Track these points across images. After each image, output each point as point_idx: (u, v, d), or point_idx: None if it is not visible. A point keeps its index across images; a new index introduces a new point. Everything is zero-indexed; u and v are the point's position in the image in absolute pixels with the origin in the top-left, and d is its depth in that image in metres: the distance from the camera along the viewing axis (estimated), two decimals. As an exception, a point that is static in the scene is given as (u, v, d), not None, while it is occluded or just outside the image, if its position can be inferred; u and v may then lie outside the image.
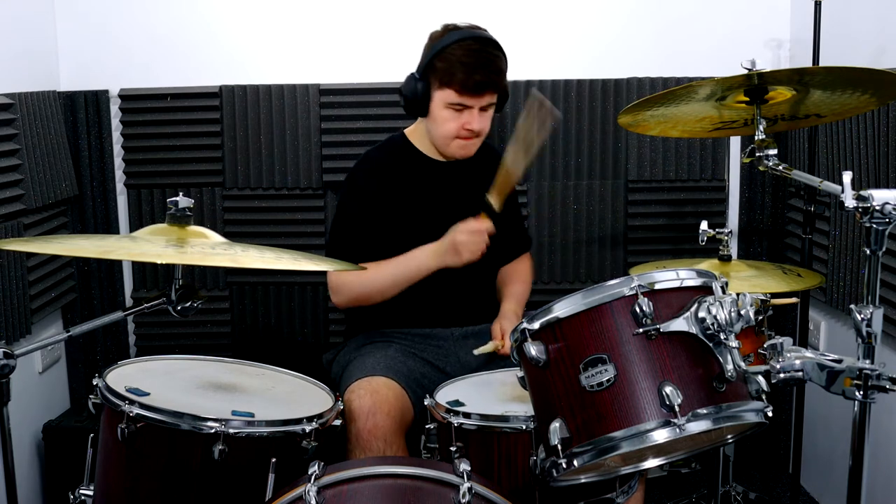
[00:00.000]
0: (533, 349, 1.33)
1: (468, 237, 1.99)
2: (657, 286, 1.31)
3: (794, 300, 2.17)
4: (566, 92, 2.78)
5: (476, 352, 2.06)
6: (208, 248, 1.47)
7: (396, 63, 2.77)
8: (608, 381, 1.27)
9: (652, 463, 1.44)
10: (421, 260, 2.06)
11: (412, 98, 2.07)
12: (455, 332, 2.19)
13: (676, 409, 1.23)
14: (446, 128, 2.08)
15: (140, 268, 2.89)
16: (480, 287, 2.28)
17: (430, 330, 2.18)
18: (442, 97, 2.05)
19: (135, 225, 2.85)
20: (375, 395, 1.89)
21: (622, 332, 1.29)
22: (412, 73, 2.10)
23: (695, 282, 1.35)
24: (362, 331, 2.24)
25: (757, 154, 1.76)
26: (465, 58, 2.01)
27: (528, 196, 2.83)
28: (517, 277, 2.34)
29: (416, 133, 2.23)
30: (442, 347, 2.17)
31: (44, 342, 1.48)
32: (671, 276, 1.34)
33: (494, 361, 2.11)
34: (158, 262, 1.40)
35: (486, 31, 2.11)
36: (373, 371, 1.98)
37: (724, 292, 1.33)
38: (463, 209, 2.19)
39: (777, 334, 1.41)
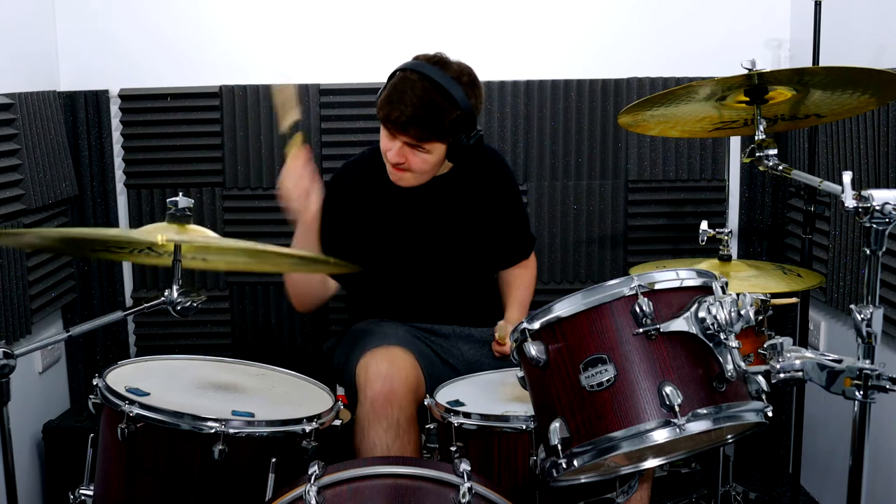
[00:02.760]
0: (533, 349, 1.33)
1: (284, 177, 1.96)
2: (657, 286, 1.31)
3: (794, 300, 2.17)
4: (566, 92, 2.78)
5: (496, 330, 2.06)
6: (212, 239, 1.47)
7: (396, 63, 2.76)
8: (608, 381, 1.27)
9: (652, 463, 1.44)
10: (295, 238, 2.02)
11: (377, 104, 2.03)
12: (456, 330, 2.19)
13: (676, 409, 1.23)
14: (384, 147, 2.04)
15: (140, 268, 2.90)
16: (479, 286, 2.28)
17: (432, 325, 2.18)
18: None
19: (135, 225, 2.85)
20: (392, 362, 1.88)
21: (622, 332, 1.29)
22: None
23: (695, 282, 1.35)
24: (364, 320, 2.23)
25: (757, 154, 1.75)
26: (392, 88, 1.95)
27: (528, 196, 2.83)
28: (521, 283, 2.32)
29: None
30: (445, 341, 2.17)
31: (44, 342, 1.48)
32: (671, 276, 1.34)
33: (496, 359, 2.11)
34: (159, 240, 1.40)
35: (456, 70, 1.97)
36: (388, 341, 1.97)
37: (724, 292, 1.33)
38: (448, 217, 2.17)
39: (777, 334, 1.41)
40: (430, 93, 1.91)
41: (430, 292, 2.16)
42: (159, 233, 1.49)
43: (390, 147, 1.99)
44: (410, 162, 2.00)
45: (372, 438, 1.82)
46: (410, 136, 1.95)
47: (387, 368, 1.86)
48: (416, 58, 2.00)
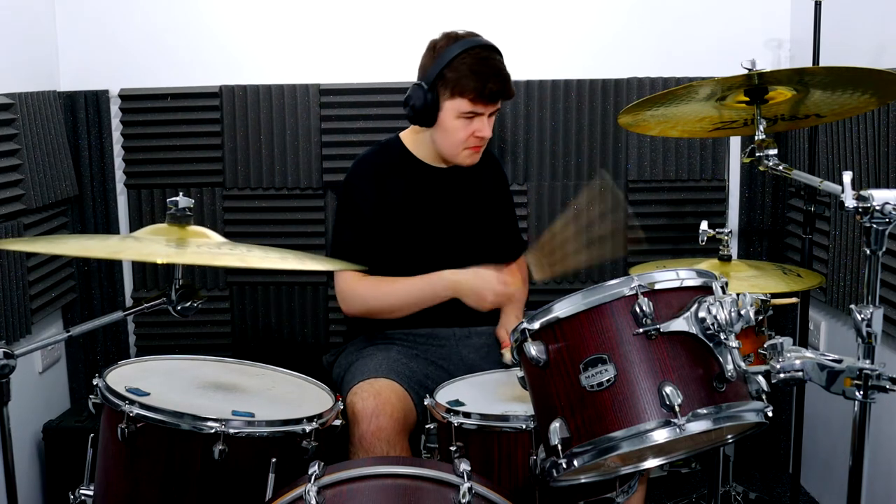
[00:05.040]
0: (533, 349, 1.33)
1: (495, 297, 2.02)
2: (657, 286, 1.31)
3: (794, 300, 2.17)
4: (566, 92, 2.78)
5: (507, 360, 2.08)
6: (214, 248, 1.47)
7: (396, 63, 2.78)
8: (608, 381, 1.27)
9: (652, 463, 1.44)
10: (438, 288, 2.05)
11: (421, 108, 2.05)
12: (456, 332, 2.19)
13: (676, 409, 1.23)
14: (457, 137, 2.08)
15: (140, 268, 2.90)
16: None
17: (432, 330, 2.18)
18: (453, 107, 2.04)
19: (135, 225, 2.85)
20: (378, 398, 1.89)
21: (622, 332, 1.29)
22: (418, 84, 2.06)
23: (695, 282, 1.35)
24: (363, 332, 2.24)
25: (757, 154, 1.76)
26: (476, 66, 2.00)
27: (528, 196, 2.83)
28: None
29: (412, 138, 2.22)
30: (444, 347, 2.17)
31: (44, 342, 1.48)
32: (671, 276, 1.34)
33: (496, 360, 2.11)
34: (159, 262, 1.40)
35: (483, 37, 2.10)
36: (375, 373, 1.98)
37: (724, 292, 1.33)
38: (462, 216, 2.20)
39: (777, 334, 1.41)
40: (499, 57, 2.07)
41: None
42: (159, 236, 1.49)
43: (481, 127, 2.07)
44: (490, 132, 2.11)
45: None
46: (502, 102, 2.10)
47: (373, 406, 1.87)
48: (448, 35, 2.09)
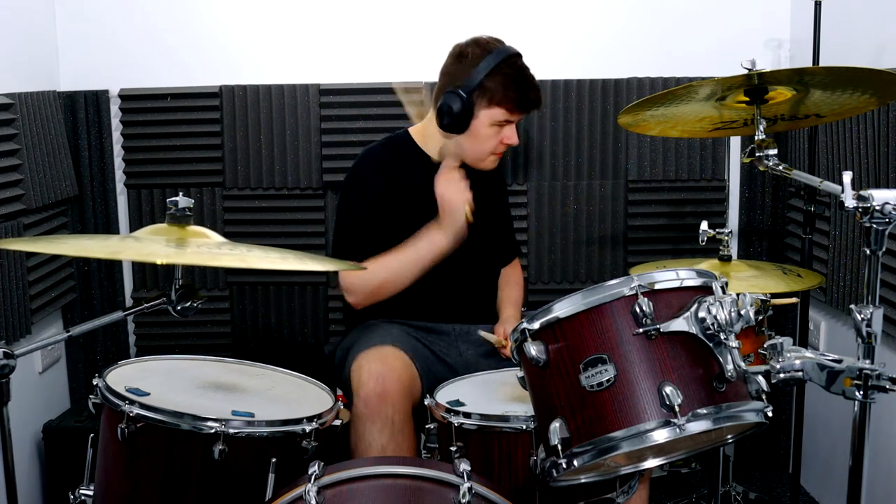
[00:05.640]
0: (533, 349, 1.33)
1: (446, 186, 2.02)
2: (657, 286, 1.31)
3: (794, 300, 2.17)
4: (566, 92, 2.78)
5: (481, 334, 2.09)
6: (214, 248, 1.47)
7: (396, 63, 2.78)
8: (608, 381, 1.27)
9: (652, 463, 1.44)
10: (433, 240, 2.04)
11: (458, 115, 2.04)
12: (456, 329, 2.19)
13: (676, 409, 1.23)
14: (488, 144, 2.10)
15: (140, 268, 2.90)
16: (479, 284, 2.29)
17: (432, 324, 2.18)
18: (489, 115, 2.06)
19: (135, 225, 2.85)
20: (385, 362, 1.90)
21: (622, 332, 1.29)
22: (455, 90, 2.03)
23: (695, 282, 1.35)
24: (364, 320, 2.23)
25: (757, 154, 1.76)
26: (516, 77, 2.04)
27: (528, 196, 2.83)
28: (512, 282, 2.38)
29: (421, 134, 2.22)
30: (444, 340, 2.17)
31: (44, 342, 1.48)
32: (671, 276, 1.34)
33: (495, 359, 2.12)
34: (159, 262, 1.40)
35: (507, 44, 2.11)
36: (381, 341, 1.99)
37: (724, 292, 1.33)
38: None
39: (777, 334, 1.41)
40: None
41: (433, 289, 2.17)
42: (159, 236, 1.49)
43: (510, 134, 2.10)
44: (517, 140, 2.13)
45: (367, 439, 1.83)
46: (534, 111, 2.13)
47: (379, 368, 1.87)
48: (478, 42, 2.08)
